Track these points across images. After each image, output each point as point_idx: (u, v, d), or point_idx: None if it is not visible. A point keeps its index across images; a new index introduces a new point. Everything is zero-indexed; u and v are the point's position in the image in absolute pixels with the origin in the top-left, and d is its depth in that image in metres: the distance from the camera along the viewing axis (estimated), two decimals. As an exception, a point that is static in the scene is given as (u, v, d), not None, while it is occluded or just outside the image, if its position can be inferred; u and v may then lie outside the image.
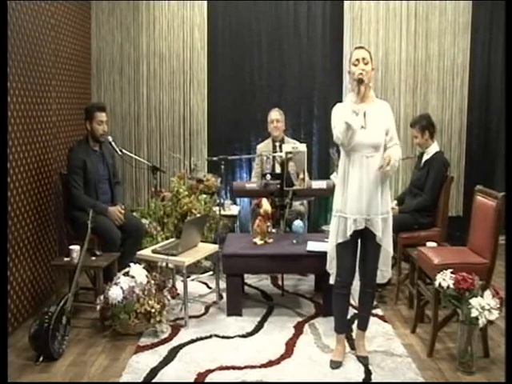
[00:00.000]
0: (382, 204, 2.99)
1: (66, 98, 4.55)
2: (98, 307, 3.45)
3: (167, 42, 5.52)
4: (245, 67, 5.67)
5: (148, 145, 5.62)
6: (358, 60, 2.96)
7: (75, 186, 4.02)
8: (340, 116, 2.93)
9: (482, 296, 2.93)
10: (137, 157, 5.03)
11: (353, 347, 3.31)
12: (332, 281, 3.17)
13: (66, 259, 3.69)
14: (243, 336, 3.51)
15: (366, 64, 2.96)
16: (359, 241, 3.08)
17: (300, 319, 3.76)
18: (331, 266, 3.15)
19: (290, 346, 3.34)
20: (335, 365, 3.11)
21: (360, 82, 2.90)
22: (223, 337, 3.49)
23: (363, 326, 3.25)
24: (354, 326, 3.60)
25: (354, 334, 3.44)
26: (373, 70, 3.02)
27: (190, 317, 3.75)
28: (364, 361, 3.14)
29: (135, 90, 5.57)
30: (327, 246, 3.20)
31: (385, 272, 3.14)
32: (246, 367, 3.08)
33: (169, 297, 3.64)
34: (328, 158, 5.49)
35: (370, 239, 3.02)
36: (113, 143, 4.42)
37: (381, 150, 2.97)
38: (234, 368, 3.07)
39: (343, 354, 3.20)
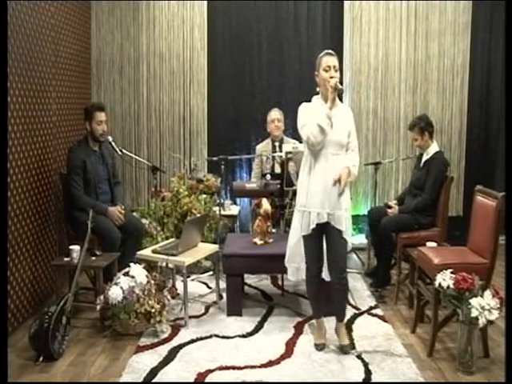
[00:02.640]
0: (345, 200, 3.13)
1: (65, 97, 4.55)
2: (98, 307, 3.45)
3: (167, 42, 5.52)
4: (245, 67, 5.67)
5: (148, 145, 5.62)
6: (329, 67, 3.10)
7: (75, 186, 4.02)
8: (309, 117, 3.08)
9: (482, 296, 2.93)
10: (137, 157, 5.03)
11: (353, 347, 3.31)
12: (290, 276, 3.44)
13: (66, 259, 3.69)
14: (243, 336, 3.51)
15: (336, 71, 3.10)
16: (324, 238, 3.21)
17: (300, 319, 3.76)
18: (289, 260, 3.39)
19: (290, 346, 3.34)
20: (319, 347, 3.30)
21: (339, 92, 3.07)
22: (223, 337, 3.49)
23: (340, 316, 3.34)
24: (354, 326, 3.62)
25: (352, 334, 3.45)
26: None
27: (190, 317, 3.75)
28: (345, 349, 3.24)
29: (135, 90, 5.57)
30: (289, 240, 3.35)
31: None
32: (245, 367, 3.08)
33: (169, 297, 3.64)
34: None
35: (334, 235, 3.15)
36: (113, 143, 4.42)
37: (344, 150, 3.15)
38: (234, 368, 3.07)
39: (324, 337, 3.36)
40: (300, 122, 3.16)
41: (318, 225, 3.11)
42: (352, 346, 3.33)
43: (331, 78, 3.06)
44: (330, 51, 3.17)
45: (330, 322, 3.42)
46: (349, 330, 3.54)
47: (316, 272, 3.27)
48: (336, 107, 3.14)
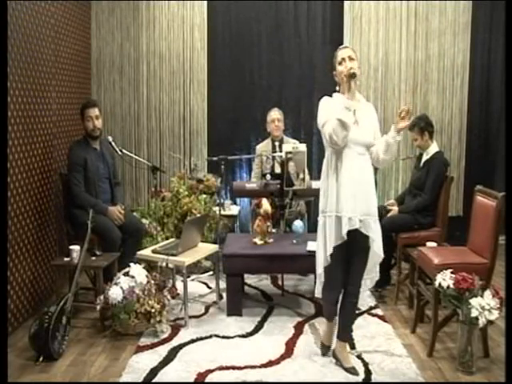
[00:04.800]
0: (374, 205, 2.93)
1: (65, 98, 4.55)
2: (98, 307, 3.45)
3: (167, 42, 5.52)
4: (245, 67, 5.67)
5: (148, 145, 5.62)
6: (343, 59, 2.90)
7: (75, 183, 4.02)
8: (329, 114, 2.84)
9: (482, 296, 2.93)
10: (137, 157, 5.03)
11: (353, 347, 3.31)
12: (317, 293, 3.09)
13: (66, 259, 3.69)
14: (243, 336, 3.51)
15: (351, 60, 2.88)
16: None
17: (300, 319, 3.76)
18: (321, 275, 3.01)
19: (290, 346, 3.34)
20: (324, 350, 3.20)
21: (352, 76, 2.81)
22: (223, 337, 3.49)
23: (344, 337, 3.11)
24: (354, 326, 3.61)
25: (352, 334, 3.45)
26: (359, 68, 2.94)
27: (190, 317, 3.75)
28: (353, 371, 3.01)
29: (135, 90, 5.57)
30: (319, 251, 3.00)
31: (375, 277, 3.06)
32: (246, 367, 3.08)
33: (169, 297, 3.64)
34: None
35: (359, 244, 2.91)
36: (113, 143, 4.43)
37: (368, 150, 2.96)
38: (233, 368, 3.07)
39: (331, 339, 3.21)
40: (320, 120, 2.93)
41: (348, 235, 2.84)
42: (352, 346, 3.32)
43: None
44: (344, 45, 3.06)
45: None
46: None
47: (333, 297, 3.03)
48: (358, 102, 2.93)
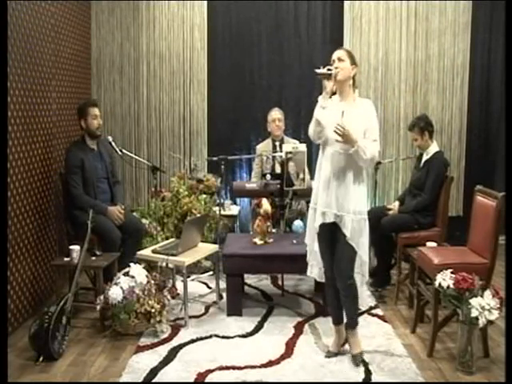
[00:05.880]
0: (353, 203, 2.95)
1: (65, 98, 4.55)
2: (98, 307, 3.45)
3: (167, 42, 5.52)
4: (245, 67, 5.67)
5: (148, 145, 5.62)
6: (333, 60, 2.99)
7: (74, 185, 4.02)
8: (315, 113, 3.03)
9: (482, 296, 2.93)
10: (137, 157, 5.03)
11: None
12: (309, 272, 3.28)
13: (66, 259, 3.69)
14: (243, 336, 3.51)
15: (340, 61, 2.97)
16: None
17: (300, 319, 3.76)
18: (309, 259, 3.25)
19: (290, 346, 3.34)
20: (329, 355, 3.20)
21: (326, 77, 2.92)
22: (223, 337, 3.49)
23: (348, 325, 3.20)
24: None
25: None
26: (354, 67, 3.00)
27: (190, 317, 3.75)
28: (355, 359, 3.11)
29: (135, 90, 5.57)
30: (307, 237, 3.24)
31: (363, 277, 3.10)
32: (246, 367, 3.08)
33: (169, 297, 3.64)
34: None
35: (340, 238, 3.00)
36: (113, 143, 4.43)
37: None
38: (234, 368, 3.07)
39: (338, 345, 3.24)
40: None
41: (325, 225, 3.00)
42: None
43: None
44: (340, 47, 3.12)
45: (330, 322, 3.41)
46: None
47: (331, 275, 3.12)
48: (352, 102, 3.00)
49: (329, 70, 2.93)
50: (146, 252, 3.88)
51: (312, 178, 3.47)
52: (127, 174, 5.59)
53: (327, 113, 2.96)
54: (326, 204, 2.99)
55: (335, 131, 2.85)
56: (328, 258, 3.10)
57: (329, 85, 2.94)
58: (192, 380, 2.94)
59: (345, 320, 3.22)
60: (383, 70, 5.54)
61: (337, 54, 3.00)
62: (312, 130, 3.03)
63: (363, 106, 3.04)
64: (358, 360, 3.11)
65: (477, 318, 2.89)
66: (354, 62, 3.01)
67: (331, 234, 3.04)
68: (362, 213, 3.00)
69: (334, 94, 3.04)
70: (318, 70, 2.94)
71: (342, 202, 2.96)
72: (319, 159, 3.12)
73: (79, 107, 4.19)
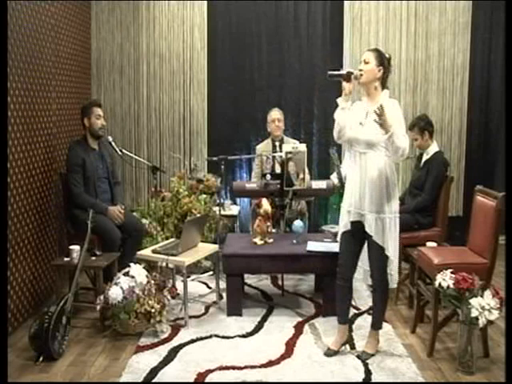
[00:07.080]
0: (375, 203, 2.99)
1: (65, 98, 4.55)
2: (98, 307, 3.45)
3: (167, 42, 5.52)
4: (245, 67, 5.67)
5: (148, 145, 5.62)
6: (361, 62, 3.07)
7: (75, 184, 4.03)
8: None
9: (482, 296, 2.93)
10: (137, 157, 5.03)
11: (353, 347, 3.31)
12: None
13: (66, 259, 3.69)
14: (243, 336, 3.51)
15: (365, 64, 3.03)
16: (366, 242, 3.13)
17: (300, 319, 3.76)
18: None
19: (290, 346, 3.34)
20: (329, 352, 3.21)
21: (345, 78, 2.99)
22: (223, 337, 3.49)
23: (373, 325, 3.25)
24: (354, 326, 3.61)
25: (353, 334, 3.45)
26: (381, 68, 3.02)
27: (190, 317, 3.75)
28: (364, 354, 3.17)
29: (135, 90, 5.57)
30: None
31: (392, 274, 3.12)
32: (246, 367, 3.08)
33: (169, 297, 3.64)
34: (328, 158, 5.48)
35: (369, 239, 3.08)
36: (113, 143, 4.43)
37: (377, 149, 2.99)
38: (234, 368, 3.07)
39: (339, 344, 3.25)
40: None
41: (353, 224, 3.07)
42: (352, 346, 3.32)
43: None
44: (371, 47, 3.26)
45: (330, 322, 3.41)
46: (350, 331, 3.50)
47: (345, 276, 3.17)
48: (376, 103, 2.92)
49: (349, 72, 2.99)
50: (146, 252, 3.88)
51: (311, 177, 3.51)
52: (127, 174, 5.59)
53: (351, 114, 3.03)
54: (352, 204, 3.08)
55: (375, 111, 2.83)
56: (346, 258, 3.17)
57: (348, 86, 2.99)
58: (192, 380, 2.94)
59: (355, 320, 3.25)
60: (383, 70, 5.53)
61: (364, 55, 3.07)
62: (335, 132, 3.11)
63: (387, 106, 2.97)
64: (367, 357, 3.16)
65: (477, 318, 2.89)
66: (381, 63, 3.01)
67: (358, 236, 3.11)
68: (386, 212, 3.02)
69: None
70: (330, 72, 3.02)
71: (364, 201, 3.02)
72: (345, 160, 3.27)
73: (84, 106, 4.20)
